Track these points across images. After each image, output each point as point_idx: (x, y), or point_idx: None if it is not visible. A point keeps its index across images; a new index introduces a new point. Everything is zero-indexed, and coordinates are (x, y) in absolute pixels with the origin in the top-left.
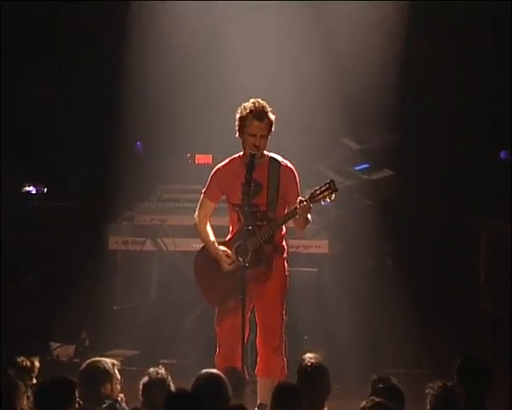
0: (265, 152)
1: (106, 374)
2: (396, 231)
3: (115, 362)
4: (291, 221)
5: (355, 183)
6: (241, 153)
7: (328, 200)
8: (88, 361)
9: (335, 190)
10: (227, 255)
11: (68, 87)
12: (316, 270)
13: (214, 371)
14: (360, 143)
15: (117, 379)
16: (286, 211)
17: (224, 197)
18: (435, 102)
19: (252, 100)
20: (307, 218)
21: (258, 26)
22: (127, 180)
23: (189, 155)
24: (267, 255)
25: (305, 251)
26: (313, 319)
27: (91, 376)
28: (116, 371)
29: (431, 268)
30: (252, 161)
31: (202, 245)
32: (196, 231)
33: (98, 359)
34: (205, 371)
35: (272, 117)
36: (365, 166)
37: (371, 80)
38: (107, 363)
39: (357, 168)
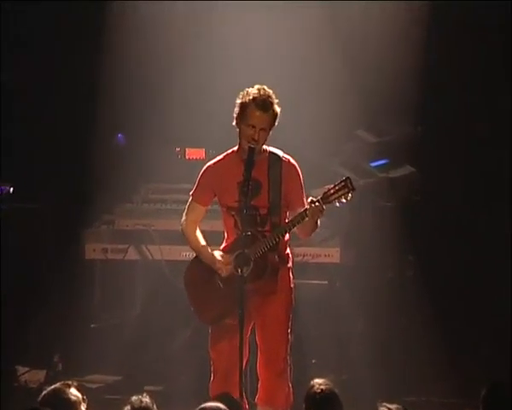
0: (264, 146)
1: (68, 404)
2: (418, 237)
3: (69, 382)
4: None
5: (371, 181)
6: (236, 147)
7: (343, 200)
8: (43, 394)
9: (353, 189)
10: (224, 259)
11: (41, 75)
12: (326, 282)
13: (221, 405)
14: (377, 136)
15: (79, 402)
16: (287, 214)
17: (216, 200)
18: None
19: (257, 86)
20: (316, 222)
21: (256, 22)
22: (106, 179)
23: (178, 149)
24: (272, 265)
25: (314, 260)
26: (322, 338)
27: None
28: (74, 391)
29: (459, 280)
30: (251, 156)
31: (194, 255)
32: (184, 237)
33: (52, 389)
34: (209, 405)
35: (277, 109)
36: (383, 162)
37: (388, 68)
38: (64, 392)
39: (374, 164)
